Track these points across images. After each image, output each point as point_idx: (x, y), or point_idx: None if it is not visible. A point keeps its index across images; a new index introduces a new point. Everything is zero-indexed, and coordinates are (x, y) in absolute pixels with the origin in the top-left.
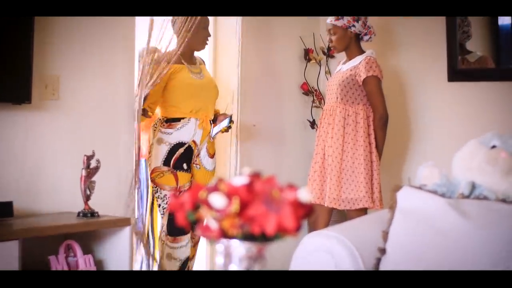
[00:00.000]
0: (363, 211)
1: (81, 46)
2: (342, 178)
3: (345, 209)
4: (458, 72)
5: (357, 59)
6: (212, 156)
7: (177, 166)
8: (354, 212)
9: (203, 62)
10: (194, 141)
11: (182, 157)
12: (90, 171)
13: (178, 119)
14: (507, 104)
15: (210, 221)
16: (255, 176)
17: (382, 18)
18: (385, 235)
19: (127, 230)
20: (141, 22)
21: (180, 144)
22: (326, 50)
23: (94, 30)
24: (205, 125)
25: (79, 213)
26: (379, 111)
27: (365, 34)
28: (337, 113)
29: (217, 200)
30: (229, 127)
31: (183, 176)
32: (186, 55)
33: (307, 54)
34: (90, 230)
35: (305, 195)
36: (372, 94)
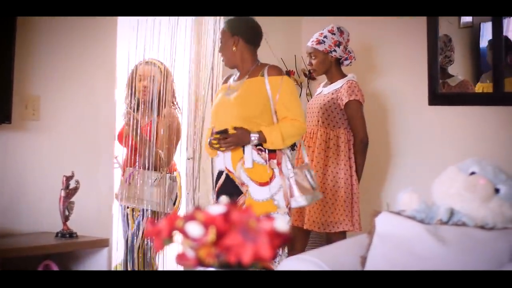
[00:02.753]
0: (343, 234)
1: (62, 66)
2: (322, 201)
3: (324, 231)
4: (438, 96)
5: (339, 83)
6: (261, 184)
7: (218, 199)
8: (333, 235)
9: (267, 74)
10: (227, 169)
11: (223, 188)
12: (69, 192)
13: None
14: (487, 129)
15: (186, 250)
16: (232, 205)
17: (363, 41)
18: (363, 260)
19: (105, 251)
20: (121, 43)
21: (220, 173)
22: (307, 72)
23: (75, 51)
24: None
25: (57, 233)
26: (360, 135)
27: (346, 59)
28: (318, 136)
29: (194, 229)
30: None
31: None
32: (237, 71)
33: (288, 75)
34: (68, 251)
35: (281, 224)
36: (353, 118)
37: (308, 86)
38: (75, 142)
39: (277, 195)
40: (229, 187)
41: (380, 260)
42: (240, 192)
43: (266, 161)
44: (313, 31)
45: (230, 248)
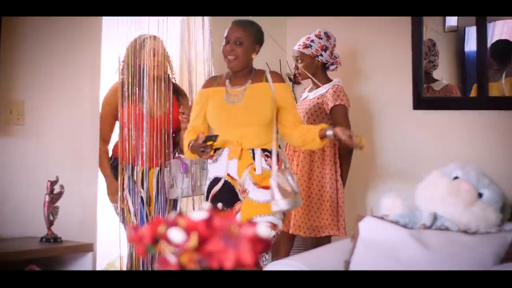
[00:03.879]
0: (328, 239)
1: (46, 71)
2: (308, 205)
3: (309, 236)
4: (423, 100)
5: (324, 88)
6: (264, 187)
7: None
8: (318, 240)
9: (269, 79)
10: (230, 175)
11: (219, 195)
12: (54, 197)
13: (215, 150)
14: (471, 134)
15: (168, 255)
16: (214, 211)
17: (349, 46)
18: (347, 265)
19: (89, 256)
20: (107, 47)
21: (216, 180)
22: (292, 77)
23: (59, 55)
24: (237, 155)
25: (42, 238)
26: None
27: (332, 64)
28: None
29: (176, 235)
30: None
31: None
32: (235, 76)
33: None
34: (52, 256)
35: (263, 230)
36: (339, 122)
37: (293, 90)
38: (60, 147)
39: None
40: (226, 194)
41: (363, 264)
42: (237, 199)
43: (271, 166)
44: (298, 36)
45: (212, 254)
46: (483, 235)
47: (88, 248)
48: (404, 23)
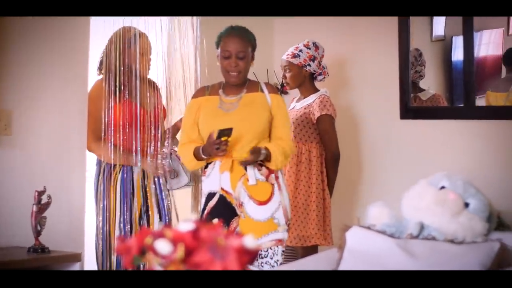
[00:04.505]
0: (315, 248)
1: (34, 81)
2: (295, 215)
3: (296, 245)
4: (410, 109)
5: (311, 98)
6: (261, 203)
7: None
8: (306, 249)
9: (266, 90)
10: (224, 190)
11: (214, 211)
12: (41, 207)
13: (207, 164)
14: (458, 143)
15: (155, 266)
16: (201, 222)
17: (336, 55)
18: None
19: (77, 266)
20: (94, 57)
21: (211, 195)
22: (279, 86)
23: (47, 65)
24: (228, 167)
25: (29, 248)
26: (331, 149)
27: (319, 74)
28: None
29: (163, 246)
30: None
31: None
32: (229, 86)
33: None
34: (40, 266)
35: (250, 242)
36: (325, 132)
37: None
38: (47, 157)
39: (277, 212)
40: (222, 210)
41: None
42: (234, 215)
43: (266, 177)
44: (285, 45)
45: (199, 265)
46: (470, 244)
47: (75, 258)
48: (391, 32)
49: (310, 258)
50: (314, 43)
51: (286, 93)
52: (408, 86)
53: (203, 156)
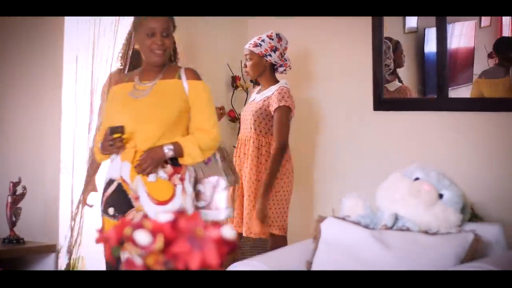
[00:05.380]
0: (283, 239)
1: (7, 72)
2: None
3: (260, 237)
4: (383, 101)
5: (271, 90)
6: (160, 202)
7: (105, 210)
8: (274, 240)
9: (184, 77)
10: (123, 179)
11: (111, 199)
12: (16, 198)
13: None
14: (431, 135)
15: (134, 257)
16: (180, 213)
17: (308, 46)
18: (309, 265)
19: (52, 257)
20: (68, 51)
21: (110, 182)
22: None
23: (21, 56)
24: (130, 157)
25: (4, 239)
26: (279, 139)
27: (281, 66)
28: (251, 143)
29: (142, 237)
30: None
31: (108, 224)
32: (146, 71)
33: (234, 81)
34: (15, 257)
35: (229, 232)
36: (278, 122)
37: (247, 93)
38: (22, 148)
39: None
40: (119, 199)
41: (325, 265)
42: (131, 206)
43: (169, 176)
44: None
45: (178, 255)
46: (444, 235)
47: (50, 249)
48: (364, 23)
49: (285, 249)
50: (277, 35)
51: (259, 84)
52: (381, 78)
53: (102, 151)
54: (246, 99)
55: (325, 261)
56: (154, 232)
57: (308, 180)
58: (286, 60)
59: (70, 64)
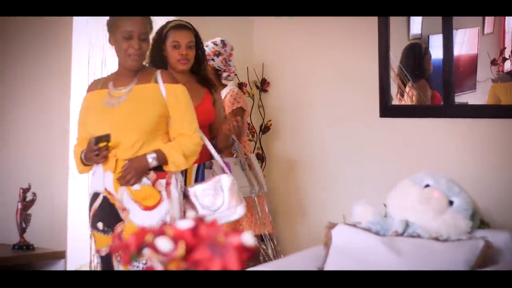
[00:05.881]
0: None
1: (16, 77)
2: None
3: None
4: (390, 108)
5: (222, 93)
6: (147, 208)
7: (93, 225)
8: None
9: (161, 81)
10: (107, 190)
11: (98, 213)
12: (26, 204)
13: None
14: (438, 142)
15: (156, 264)
16: (199, 220)
17: (315, 51)
18: None
19: (61, 263)
20: (77, 55)
21: (95, 195)
22: (259, 84)
23: (29, 62)
24: (112, 167)
25: (14, 245)
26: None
27: (224, 71)
28: None
29: (164, 244)
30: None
31: (100, 239)
32: (120, 76)
33: (241, 88)
34: (25, 263)
35: (248, 239)
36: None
37: (260, 98)
38: (31, 154)
39: (165, 220)
40: (106, 212)
41: None
42: (119, 219)
43: (152, 182)
44: (265, 44)
45: (199, 262)
46: (454, 242)
47: (60, 255)
48: (370, 30)
49: (296, 255)
50: (222, 41)
51: (265, 91)
52: (388, 83)
53: (85, 162)
54: (252, 106)
55: (336, 267)
56: (175, 239)
57: (315, 187)
58: (230, 66)
59: (79, 68)
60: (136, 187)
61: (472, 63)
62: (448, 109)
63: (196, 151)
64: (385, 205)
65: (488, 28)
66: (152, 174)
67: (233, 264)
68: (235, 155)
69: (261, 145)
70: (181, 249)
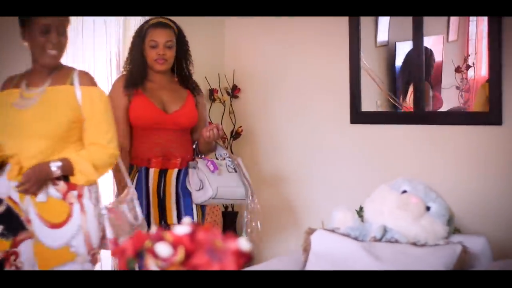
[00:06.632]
0: None
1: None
2: None
3: None
4: (360, 114)
5: None
6: (53, 225)
7: None
8: None
9: (78, 83)
10: (12, 199)
11: (2, 219)
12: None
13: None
14: (409, 147)
15: (154, 269)
16: (196, 225)
17: (285, 57)
18: None
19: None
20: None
21: None
22: (230, 91)
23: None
24: (15, 175)
25: None
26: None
27: None
28: None
29: (163, 249)
30: None
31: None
32: (34, 74)
33: (212, 94)
34: None
35: (245, 244)
36: None
37: (231, 104)
38: None
39: (75, 239)
40: (9, 220)
41: None
42: (23, 228)
43: (63, 194)
44: (236, 51)
45: (197, 267)
46: (432, 247)
47: None
48: (341, 37)
49: (276, 260)
50: None
51: (236, 97)
52: (359, 90)
53: None
54: (224, 112)
55: None
56: (175, 244)
57: (287, 193)
58: None
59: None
60: (42, 198)
61: (437, 70)
62: (418, 115)
63: (110, 163)
64: (357, 211)
65: (452, 36)
66: (63, 185)
67: (231, 269)
68: (222, 158)
69: (232, 151)
70: (180, 254)
